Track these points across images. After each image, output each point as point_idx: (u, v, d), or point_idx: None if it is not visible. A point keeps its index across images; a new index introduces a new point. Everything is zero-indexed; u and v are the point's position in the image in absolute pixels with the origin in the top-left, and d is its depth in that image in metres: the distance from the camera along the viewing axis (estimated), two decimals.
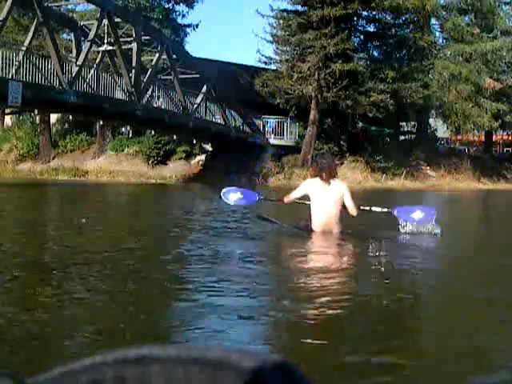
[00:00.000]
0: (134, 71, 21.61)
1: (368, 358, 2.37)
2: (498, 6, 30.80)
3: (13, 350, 2.39)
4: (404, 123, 33.47)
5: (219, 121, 26.29)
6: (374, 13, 28.09)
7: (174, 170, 27.32)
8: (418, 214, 6.69)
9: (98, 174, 27.38)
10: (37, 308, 3.04)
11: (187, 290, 3.53)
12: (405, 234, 6.51)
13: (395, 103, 26.14)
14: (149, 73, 22.47)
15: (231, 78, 28.06)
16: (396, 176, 26.72)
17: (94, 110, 20.13)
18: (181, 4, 32.88)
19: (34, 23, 18.86)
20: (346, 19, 26.08)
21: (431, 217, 6.67)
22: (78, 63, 19.47)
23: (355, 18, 27.83)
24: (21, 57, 17.73)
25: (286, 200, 6.57)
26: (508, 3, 31.12)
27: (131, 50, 21.99)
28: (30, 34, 19.27)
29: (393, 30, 29.08)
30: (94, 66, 21.24)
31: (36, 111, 25.07)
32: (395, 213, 6.82)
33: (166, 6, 32.03)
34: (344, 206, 6.28)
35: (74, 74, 18.97)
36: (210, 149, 28.42)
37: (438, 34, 31.02)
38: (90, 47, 20.44)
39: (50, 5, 20.40)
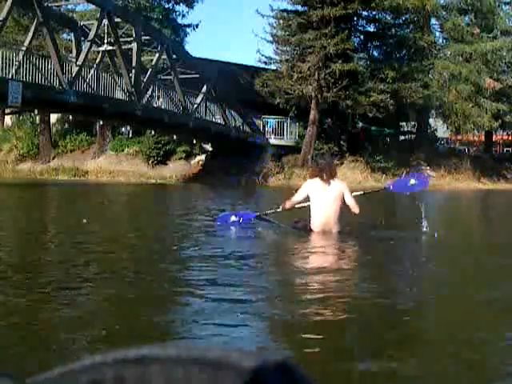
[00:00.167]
0: (134, 71, 21.62)
1: (368, 358, 2.37)
2: (498, 6, 30.78)
3: (13, 350, 2.39)
4: (404, 123, 33.47)
5: (219, 121, 26.30)
6: (374, 13, 28.11)
7: (174, 170, 27.33)
8: (412, 182, 6.87)
9: (98, 174, 27.39)
10: (37, 308, 3.04)
11: (187, 291, 3.53)
12: (404, 234, 6.50)
13: (395, 103, 26.15)
14: (149, 73, 22.48)
15: (231, 77, 28.06)
16: (396, 176, 26.67)
17: (93, 110, 20.14)
18: (181, 4, 32.92)
19: (34, 23, 18.87)
20: (346, 19, 26.10)
21: (426, 182, 6.88)
22: (78, 63, 19.48)
23: (355, 18, 27.85)
24: (21, 57, 17.74)
25: (288, 205, 6.49)
26: (508, 3, 31.12)
27: (131, 49, 22.00)
28: (30, 34, 19.27)
29: (393, 30, 29.10)
30: (94, 66, 21.25)
31: (36, 111, 25.08)
32: (391, 187, 6.99)
33: (166, 6, 32.06)
34: (345, 205, 6.29)
35: (74, 74, 18.98)
36: (210, 149, 28.42)
37: (438, 33, 31.03)
38: (90, 47, 20.45)
39: (50, 5, 20.41)
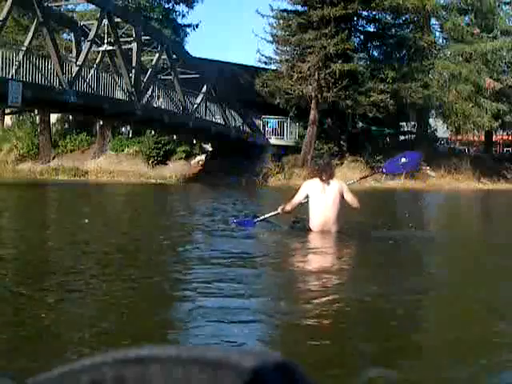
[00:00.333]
0: (133, 71, 21.62)
1: (368, 358, 2.37)
2: (498, 6, 30.77)
3: (13, 350, 2.39)
4: (404, 123, 33.45)
5: (219, 121, 26.30)
6: (374, 13, 28.11)
7: (174, 170, 27.32)
8: (403, 160, 6.92)
9: (98, 174, 27.38)
10: (37, 308, 3.04)
11: (186, 291, 3.53)
12: (403, 234, 6.51)
13: (395, 103, 26.14)
14: (149, 73, 22.48)
15: (231, 77, 28.06)
16: (396, 176, 26.68)
17: (93, 110, 20.15)
18: (181, 4, 32.91)
19: (34, 23, 18.88)
20: (346, 19, 26.10)
21: (416, 160, 6.97)
22: (78, 63, 19.48)
23: (355, 18, 27.85)
24: (21, 57, 17.74)
25: (288, 208, 6.43)
26: (508, 3, 31.10)
27: (131, 49, 22.01)
28: (30, 34, 19.28)
29: (393, 30, 29.10)
30: (94, 66, 21.25)
31: (36, 111, 25.11)
32: (384, 170, 7.05)
33: (166, 6, 32.05)
34: (344, 205, 6.31)
35: (74, 74, 18.98)
36: (210, 149, 28.42)
37: (438, 33, 31.02)
38: (90, 47, 20.45)
39: (50, 5, 20.41)
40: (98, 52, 22.27)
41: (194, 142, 27.86)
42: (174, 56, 23.92)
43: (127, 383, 0.40)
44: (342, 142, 27.74)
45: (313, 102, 25.95)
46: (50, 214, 9.98)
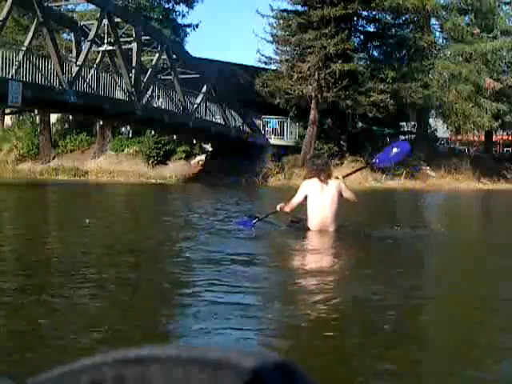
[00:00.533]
0: (133, 71, 21.63)
1: (367, 358, 2.37)
2: (498, 6, 30.77)
3: (13, 350, 2.39)
4: (404, 123, 33.46)
5: (219, 121, 26.30)
6: (374, 13, 28.12)
7: (174, 170, 27.32)
8: (395, 151, 6.98)
9: (98, 174, 27.38)
10: (37, 308, 3.04)
11: (186, 291, 3.53)
12: (403, 233, 6.50)
13: (395, 103, 26.15)
14: (149, 73, 22.49)
15: (231, 77, 28.08)
16: (396, 176, 26.70)
17: (94, 110, 20.15)
18: (181, 4, 32.93)
19: (34, 23, 18.89)
20: (346, 19, 26.11)
21: (407, 148, 7.03)
22: (78, 63, 19.49)
23: (355, 18, 27.86)
24: (21, 57, 17.75)
25: (288, 208, 6.44)
26: (508, 3, 31.10)
27: (131, 49, 22.02)
28: (30, 34, 19.29)
29: (393, 30, 29.11)
30: (94, 66, 21.26)
31: (36, 111, 25.10)
32: (377, 162, 7.09)
33: (166, 6, 32.07)
34: (343, 204, 6.33)
35: (74, 74, 18.99)
36: (210, 149, 28.43)
37: (438, 33, 31.03)
38: (90, 47, 20.46)
39: (50, 5, 20.41)
40: (98, 52, 22.28)
41: (194, 141, 27.86)
42: (174, 56, 23.93)
43: (127, 383, 0.40)
44: (342, 142, 27.74)
45: (313, 102, 25.96)
46: (50, 215, 9.97)
